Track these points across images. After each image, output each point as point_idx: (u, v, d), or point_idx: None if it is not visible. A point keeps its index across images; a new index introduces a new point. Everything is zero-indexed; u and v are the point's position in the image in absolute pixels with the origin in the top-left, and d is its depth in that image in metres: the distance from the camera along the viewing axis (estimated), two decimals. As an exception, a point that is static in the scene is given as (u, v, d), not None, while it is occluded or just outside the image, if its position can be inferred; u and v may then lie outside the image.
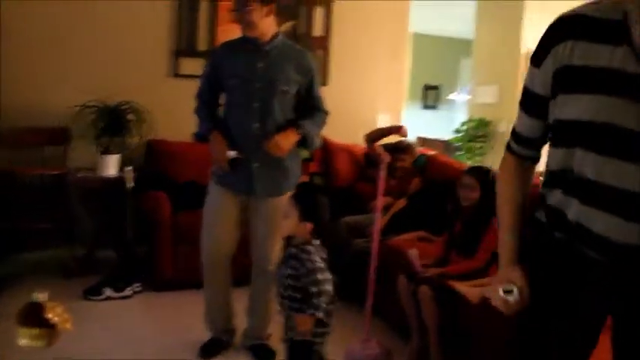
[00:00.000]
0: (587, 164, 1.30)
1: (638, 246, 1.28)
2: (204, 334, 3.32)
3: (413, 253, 3.24)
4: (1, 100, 4.26)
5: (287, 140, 2.94)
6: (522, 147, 1.56)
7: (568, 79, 1.31)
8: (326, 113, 3.14)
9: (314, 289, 2.27)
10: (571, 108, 1.31)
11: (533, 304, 1.48)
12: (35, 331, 1.21)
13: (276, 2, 2.96)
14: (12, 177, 4.24)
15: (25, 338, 1.21)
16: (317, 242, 2.39)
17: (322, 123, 3.14)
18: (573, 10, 1.33)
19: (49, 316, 1.21)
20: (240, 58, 2.97)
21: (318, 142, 3.14)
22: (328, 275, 2.34)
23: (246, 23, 2.89)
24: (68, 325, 1.23)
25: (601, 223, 1.31)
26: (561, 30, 1.33)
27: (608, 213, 1.29)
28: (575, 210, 1.36)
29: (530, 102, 1.46)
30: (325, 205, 2.46)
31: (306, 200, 2.41)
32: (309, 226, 2.36)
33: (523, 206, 1.57)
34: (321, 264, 2.33)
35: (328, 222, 2.47)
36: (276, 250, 3.04)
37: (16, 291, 3.62)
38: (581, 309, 1.46)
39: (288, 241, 2.47)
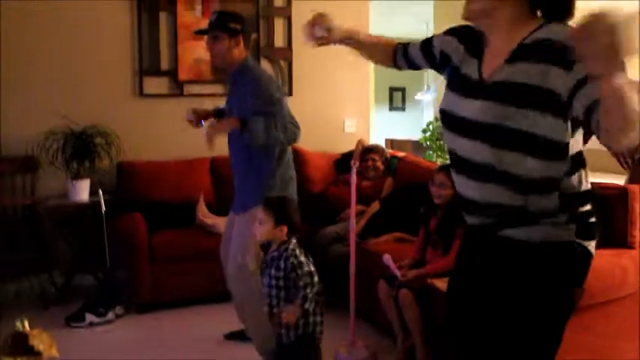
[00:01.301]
0: (450, 142, 1.68)
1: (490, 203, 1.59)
2: (189, 352, 3.32)
3: (387, 257, 3.27)
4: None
5: (222, 123, 3.00)
6: (402, 48, 1.95)
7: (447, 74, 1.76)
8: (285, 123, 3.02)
9: (301, 283, 2.47)
10: (443, 101, 1.71)
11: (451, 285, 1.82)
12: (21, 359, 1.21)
13: (244, 34, 3.05)
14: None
15: (11, 367, 1.21)
16: (293, 241, 2.59)
17: (270, 124, 2.95)
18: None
19: (35, 343, 1.22)
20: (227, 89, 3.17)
21: (261, 137, 2.94)
22: (312, 268, 2.54)
23: (214, 54, 3.05)
24: (54, 351, 1.24)
25: (465, 186, 1.66)
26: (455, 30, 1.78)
27: (465, 177, 1.64)
28: (457, 182, 1.70)
29: (426, 47, 1.87)
30: (295, 206, 2.71)
31: (277, 205, 2.61)
32: (284, 228, 2.55)
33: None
34: (303, 258, 2.53)
35: (300, 223, 2.69)
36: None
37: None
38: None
39: (267, 246, 2.66)
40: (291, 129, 3.02)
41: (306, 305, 2.50)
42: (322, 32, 1.93)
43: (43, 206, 4.31)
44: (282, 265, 2.53)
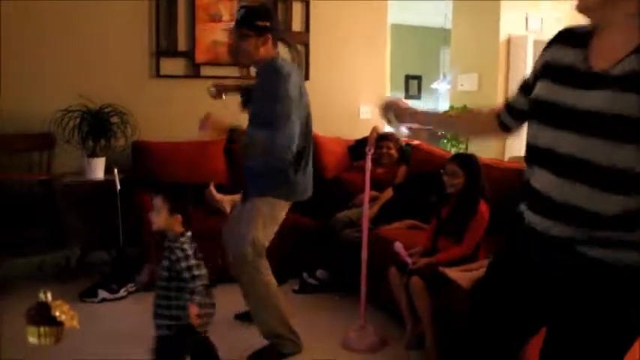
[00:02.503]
0: (540, 134, 1.57)
1: (572, 206, 1.47)
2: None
3: (398, 245, 3.27)
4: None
5: (217, 122, 2.86)
6: (506, 107, 1.83)
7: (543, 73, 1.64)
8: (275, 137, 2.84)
9: (187, 275, 2.43)
10: (540, 90, 1.61)
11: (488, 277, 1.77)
12: (43, 329, 1.24)
13: (272, 31, 2.92)
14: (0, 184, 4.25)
15: (33, 337, 1.24)
16: (188, 234, 2.54)
17: (265, 142, 2.85)
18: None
19: (57, 314, 1.25)
20: None
21: (257, 149, 2.91)
22: (198, 262, 2.50)
23: (240, 52, 2.94)
24: (75, 322, 1.26)
25: (549, 185, 1.53)
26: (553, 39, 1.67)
27: (545, 171, 1.53)
28: (533, 176, 1.58)
29: (527, 86, 1.73)
30: (190, 197, 2.65)
31: (172, 193, 2.56)
32: (179, 217, 2.51)
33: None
34: (191, 252, 2.48)
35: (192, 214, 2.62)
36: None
37: (13, 295, 3.64)
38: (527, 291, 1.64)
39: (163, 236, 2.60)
40: (284, 153, 2.89)
41: (196, 299, 2.42)
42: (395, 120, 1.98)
43: (59, 183, 4.35)
44: (170, 256, 2.49)
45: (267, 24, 2.90)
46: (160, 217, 2.52)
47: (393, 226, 3.88)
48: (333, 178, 4.81)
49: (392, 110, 2.03)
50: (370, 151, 3.35)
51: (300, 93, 2.95)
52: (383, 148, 4.38)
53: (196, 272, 2.45)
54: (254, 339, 3.11)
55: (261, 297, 3.04)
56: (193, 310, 2.39)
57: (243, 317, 3.48)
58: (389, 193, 4.16)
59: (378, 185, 4.15)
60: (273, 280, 3.08)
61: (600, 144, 1.41)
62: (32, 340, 1.24)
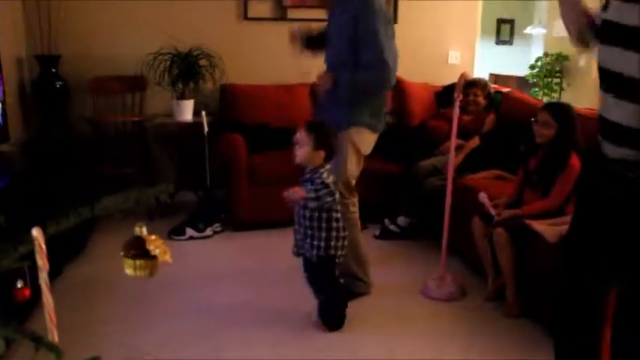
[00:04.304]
0: (607, 56, 1.58)
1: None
2: (283, 267, 3.47)
3: (482, 195, 3.20)
4: (81, 51, 4.43)
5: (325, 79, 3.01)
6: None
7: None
8: (377, 64, 2.89)
9: (329, 199, 2.64)
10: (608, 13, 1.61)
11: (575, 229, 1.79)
12: (139, 262, 1.30)
13: None
14: (97, 124, 4.44)
15: (129, 269, 1.31)
16: (327, 166, 2.70)
17: (368, 76, 2.93)
18: None
19: (151, 248, 1.30)
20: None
21: (360, 89, 2.98)
22: (337, 194, 2.72)
23: None
24: (167, 257, 1.32)
25: (614, 108, 1.53)
26: None
27: (611, 96, 1.54)
28: (603, 103, 1.60)
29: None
30: (334, 133, 2.78)
31: (318, 130, 2.68)
32: (322, 153, 2.67)
33: None
34: (330, 181, 2.67)
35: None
36: None
37: (109, 229, 3.85)
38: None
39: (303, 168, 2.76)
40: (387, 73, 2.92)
41: (333, 224, 2.69)
42: None
43: (150, 124, 4.51)
44: (311, 185, 2.65)
45: None
46: (305, 151, 2.67)
47: (479, 176, 3.79)
48: (418, 125, 4.73)
49: None
50: (459, 98, 3.25)
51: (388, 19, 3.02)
52: (470, 96, 4.25)
53: (335, 199, 2.68)
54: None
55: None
56: (300, 193, 2.66)
57: None
58: (475, 141, 4.05)
59: (464, 133, 4.05)
60: (358, 220, 3.13)
61: None
62: (129, 271, 1.31)
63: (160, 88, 4.41)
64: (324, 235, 2.70)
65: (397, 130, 4.54)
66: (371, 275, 3.24)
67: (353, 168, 3.05)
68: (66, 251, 3.46)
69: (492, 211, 3.13)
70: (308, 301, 2.94)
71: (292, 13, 4.83)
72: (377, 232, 4.13)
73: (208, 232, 4.09)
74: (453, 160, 3.32)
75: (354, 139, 3.01)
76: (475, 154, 3.98)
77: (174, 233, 4.04)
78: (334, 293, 2.86)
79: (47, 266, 1.19)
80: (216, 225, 4.15)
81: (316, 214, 2.69)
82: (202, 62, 4.42)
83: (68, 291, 3.17)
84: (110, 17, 4.51)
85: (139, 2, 4.56)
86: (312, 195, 2.63)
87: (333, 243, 2.73)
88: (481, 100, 4.27)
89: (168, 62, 4.35)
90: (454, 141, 3.30)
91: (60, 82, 4.28)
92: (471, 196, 3.36)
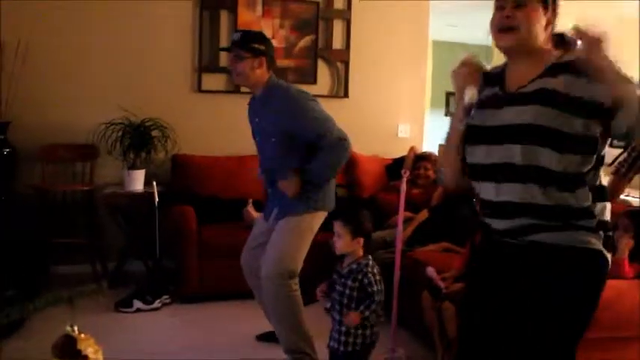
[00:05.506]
0: (475, 154, 1.84)
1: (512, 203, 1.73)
2: (234, 342, 3.44)
3: (430, 270, 3.25)
4: (33, 119, 4.40)
5: (290, 185, 3.01)
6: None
7: None
8: (334, 143, 2.96)
9: (377, 297, 2.62)
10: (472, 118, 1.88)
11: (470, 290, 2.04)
12: (69, 362, 1.29)
13: (267, 55, 3.03)
14: (45, 192, 4.36)
15: (59, 368, 1.30)
16: (370, 257, 2.70)
17: (330, 155, 3.00)
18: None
19: (82, 347, 1.30)
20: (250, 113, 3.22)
21: (327, 173, 3.08)
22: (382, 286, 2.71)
23: (236, 73, 3.05)
24: (99, 356, 1.31)
25: (494, 191, 1.79)
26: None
27: (494, 183, 1.78)
28: (484, 191, 1.84)
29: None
30: (369, 217, 2.77)
31: (354, 219, 2.68)
32: (361, 240, 2.67)
33: None
34: (379, 277, 2.68)
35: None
36: None
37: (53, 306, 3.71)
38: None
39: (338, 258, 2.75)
40: (341, 146, 2.99)
41: (366, 314, 2.62)
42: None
43: (100, 193, 4.46)
44: (361, 278, 2.63)
45: (263, 47, 3.01)
46: (343, 242, 2.65)
47: (428, 249, 3.85)
48: (369, 198, 4.81)
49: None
50: (406, 174, 3.33)
51: None
52: (420, 169, 4.37)
53: (378, 297, 2.64)
54: (278, 356, 3.17)
55: (289, 313, 3.07)
56: (356, 318, 2.61)
57: (266, 338, 3.51)
58: (424, 214, 4.13)
59: (413, 206, 4.14)
60: (300, 297, 3.13)
61: (520, 149, 1.69)
62: None
63: (111, 157, 4.39)
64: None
65: (348, 203, 4.60)
66: (318, 349, 3.22)
67: (299, 254, 3.07)
68: (3, 326, 3.33)
69: (441, 285, 3.17)
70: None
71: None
72: (328, 305, 4.10)
73: (157, 304, 4.01)
74: (401, 234, 3.37)
75: (313, 223, 3.07)
76: (424, 227, 4.05)
77: (121, 305, 3.94)
78: None
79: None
80: (165, 297, 4.07)
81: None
82: (154, 133, 4.44)
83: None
84: (64, 85, 4.52)
85: (93, 72, 4.59)
86: (376, 288, 2.64)
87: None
88: (431, 173, 4.39)
89: (120, 132, 4.36)
90: (402, 214, 3.36)
91: (7, 149, 4.22)
92: (420, 269, 3.40)
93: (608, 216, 1.77)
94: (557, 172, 1.67)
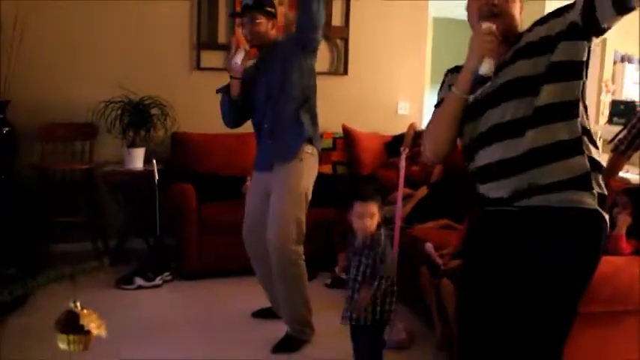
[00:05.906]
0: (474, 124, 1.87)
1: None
2: (232, 318, 3.46)
3: (428, 246, 3.27)
4: (32, 97, 4.39)
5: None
6: None
7: None
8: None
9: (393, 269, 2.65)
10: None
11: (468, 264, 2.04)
12: (72, 337, 1.31)
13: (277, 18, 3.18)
14: (44, 171, 4.37)
15: (63, 343, 1.32)
16: (384, 232, 2.70)
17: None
18: None
19: (85, 323, 1.31)
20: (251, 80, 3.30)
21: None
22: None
23: (252, 35, 3.12)
24: (102, 331, 1.33)
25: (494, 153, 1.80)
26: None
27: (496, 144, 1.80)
28: (484, 156, 1.83)
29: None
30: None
31: (380, 195, 2.77)
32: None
33: None
34: (390, 250, 2.73)
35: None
36: None
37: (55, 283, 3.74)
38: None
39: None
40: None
41: (378, 291, 2.58)
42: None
43: (100, 172, 4.46)
44: (372, 253, 2.61)
45: (274, 10, 3.15)
46: (374, 222, 2.65)
47: (427, 226, 3.86)
48: (368, 175, 4.81)
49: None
50: (405, 151, 3.34)
51: None
52: (420, 146, 4.35)
53: (390, 271, 2.64)
54: (273, 334, 3.21)
55: (298, 280, 3.11)
56: (368, 296, 2.58)
57: (262, 314, 3.55)
58: (423, 191, 4.14)
59: (413, 183, 4.14)
60: (305, 267, 3.17)
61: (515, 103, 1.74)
62: (62, 346, 1.31)
63: (110, 135, 4.39)
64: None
65: (348, 179, 4.61)
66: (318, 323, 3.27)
67: (304, 208, 3.11)
68: (7, 302, 3.35)
69: (439, 261, 3.19)
70: (258, 350, 2.92)
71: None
72: (328, 281, 4.14)
73: (158, 281, 4.04)
74: (400, 210, 3.38)
75: (310, 160, 3.14)
76: (423, 204, 4.06)
77: (122, 282, 3.97)
78: None
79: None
80: (166, 274, 4.10)
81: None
82: (154, 111, 4.43)
83: (11, 342, 3.06)
84: (63, 64, 4.51)
85: (92, 50, 4.58)
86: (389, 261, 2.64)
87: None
88: (429, 150, 4.37)
89: (119, 110, 4.35)
90: (401, 191, 3.37)
91: (7, 128, 4.22)
92: (419, 246, 3.42)
93: (601, 182, 1.78)
94: (548, 105, 1.71)
